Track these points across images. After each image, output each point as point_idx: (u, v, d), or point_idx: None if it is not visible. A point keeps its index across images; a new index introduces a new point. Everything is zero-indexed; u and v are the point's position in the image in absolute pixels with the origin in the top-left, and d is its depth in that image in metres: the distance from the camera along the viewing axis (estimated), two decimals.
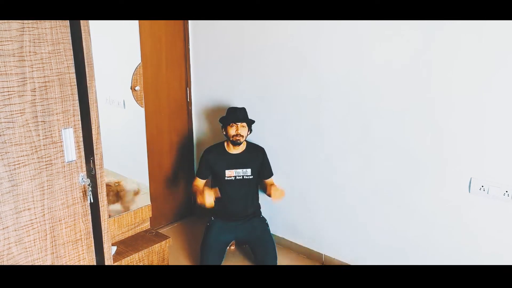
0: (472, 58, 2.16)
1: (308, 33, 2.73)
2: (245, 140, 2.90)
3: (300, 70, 2.83)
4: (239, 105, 3.17)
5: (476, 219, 2.32)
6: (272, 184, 2.95)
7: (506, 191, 2.18)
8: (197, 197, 2.78)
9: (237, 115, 2.81)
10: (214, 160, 2.91)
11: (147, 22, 3.06)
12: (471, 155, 2.26)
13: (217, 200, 2.90)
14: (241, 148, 2.90)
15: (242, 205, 2.94)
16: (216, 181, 2.96)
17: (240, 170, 2.89)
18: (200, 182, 2.96)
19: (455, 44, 2.19)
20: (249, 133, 2.89)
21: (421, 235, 2.53)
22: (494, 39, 2.07)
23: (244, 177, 2.90)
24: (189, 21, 3.40)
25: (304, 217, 3.09)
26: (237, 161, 2.89)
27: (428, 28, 2.25)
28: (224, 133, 2.89)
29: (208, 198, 2.66)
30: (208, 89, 3.44)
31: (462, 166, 2.30)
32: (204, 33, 3.33)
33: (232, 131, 2.81)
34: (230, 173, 2.89)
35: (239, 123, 2.81)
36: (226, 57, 3.24)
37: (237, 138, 2.81)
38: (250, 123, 2.88)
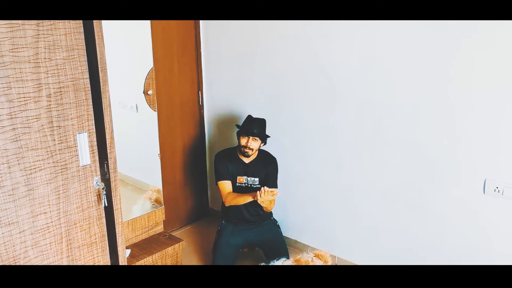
0: (489, 58, 2.14)
1: (321, 32, 2.72)
2: (258, 149, 2.84)
3: (312, 70, 2.82)
4: (251, 108, 3.17)
5: (490, 220, 2.29)
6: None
7: None
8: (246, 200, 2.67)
9: (252, 128, 2.73)
10: (228, 163, 2.86)
11: (159, 26, 3.08)
12: (485, 156, 2.23)
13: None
14: (252, 156, 2.85)
15: (252, 211, 2.92)
16: None
17: (249, 179, 2.87)
18: (228, 185, 2.83)
19: (471, 43, 2.17)
20: (262, 144, 2.82)
21: (435, 236, 2.51)
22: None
23: (252, 185, 2.87)
24: (201, 23, 3.41)
25: (316, 218, 3.08)
26: (247, 169, 2.86)
27: (444, 27, 2.23)
28: (237, 139, 2.84)
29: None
30: (220, 91, 3.45)
31: (476, 167, 2.27)
32: (215, 35, 3.35)
33: (243, 141, 2.76)
34: (241, 180, 2.87)
35: (251, 137, 2.75)
36: (237, 59, 3.25)
37: (246, 150, 2.76)
38: (264, 138, 2.80)
